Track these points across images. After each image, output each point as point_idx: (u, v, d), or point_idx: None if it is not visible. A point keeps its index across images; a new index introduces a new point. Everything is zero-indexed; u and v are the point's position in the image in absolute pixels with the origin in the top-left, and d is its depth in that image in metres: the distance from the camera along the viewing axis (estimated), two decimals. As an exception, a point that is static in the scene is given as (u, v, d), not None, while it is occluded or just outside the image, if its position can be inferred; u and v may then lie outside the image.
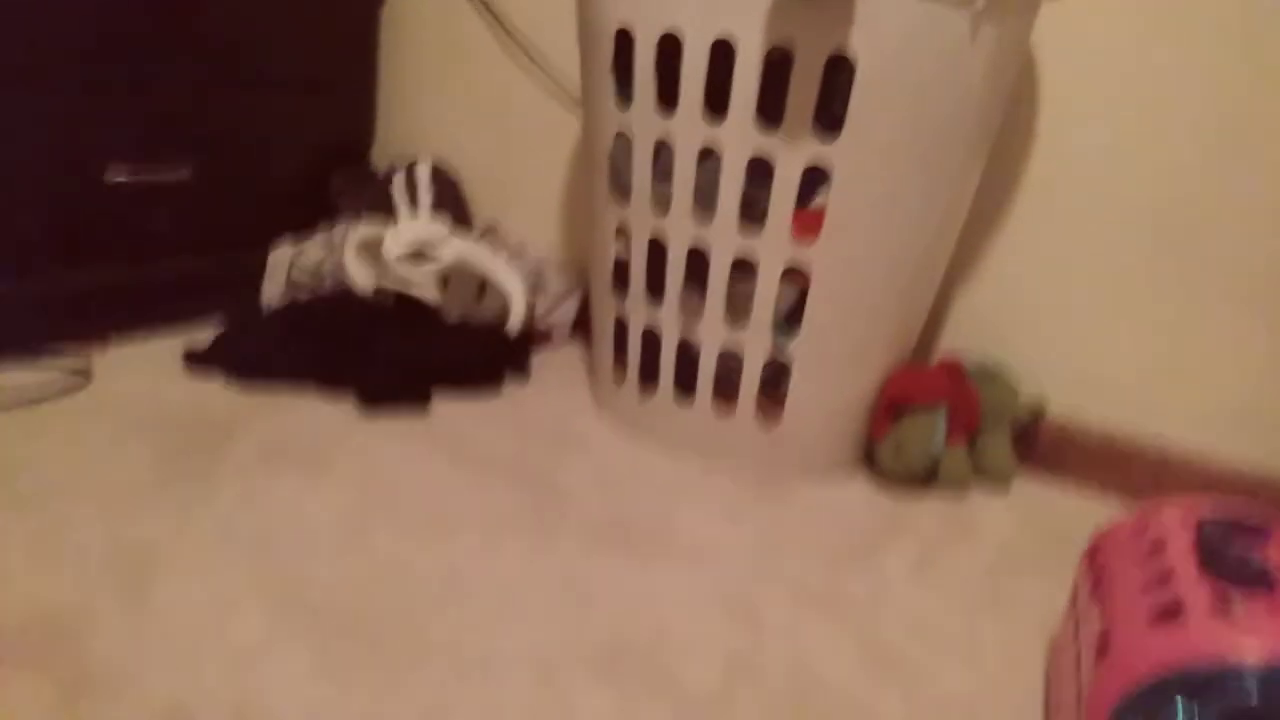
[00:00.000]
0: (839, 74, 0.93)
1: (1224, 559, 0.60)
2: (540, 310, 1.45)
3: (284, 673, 0.67)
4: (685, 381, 1.10)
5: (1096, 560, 0.71)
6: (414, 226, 1.29)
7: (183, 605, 0.73)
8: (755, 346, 1.04)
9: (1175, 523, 0.68)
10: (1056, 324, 1.15)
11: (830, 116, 0.94)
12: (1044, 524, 1.04)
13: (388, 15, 1.59)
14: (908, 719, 0.70)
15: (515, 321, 1.31)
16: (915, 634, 0.81)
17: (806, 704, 0.70)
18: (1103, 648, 0.59)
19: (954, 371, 1.09)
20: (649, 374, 1.12)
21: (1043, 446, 1.16)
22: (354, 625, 0.73)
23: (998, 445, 1.11)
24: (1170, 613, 0.57)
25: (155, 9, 1.21)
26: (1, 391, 1.05)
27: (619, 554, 0.88)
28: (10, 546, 0.78)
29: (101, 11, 1.16)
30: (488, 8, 1.50)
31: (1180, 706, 0.52)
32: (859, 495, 1.07)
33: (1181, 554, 0.64)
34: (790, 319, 1.03)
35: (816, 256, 0.99)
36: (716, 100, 0.97)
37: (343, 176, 1.51)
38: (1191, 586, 0.59)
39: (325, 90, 1.49)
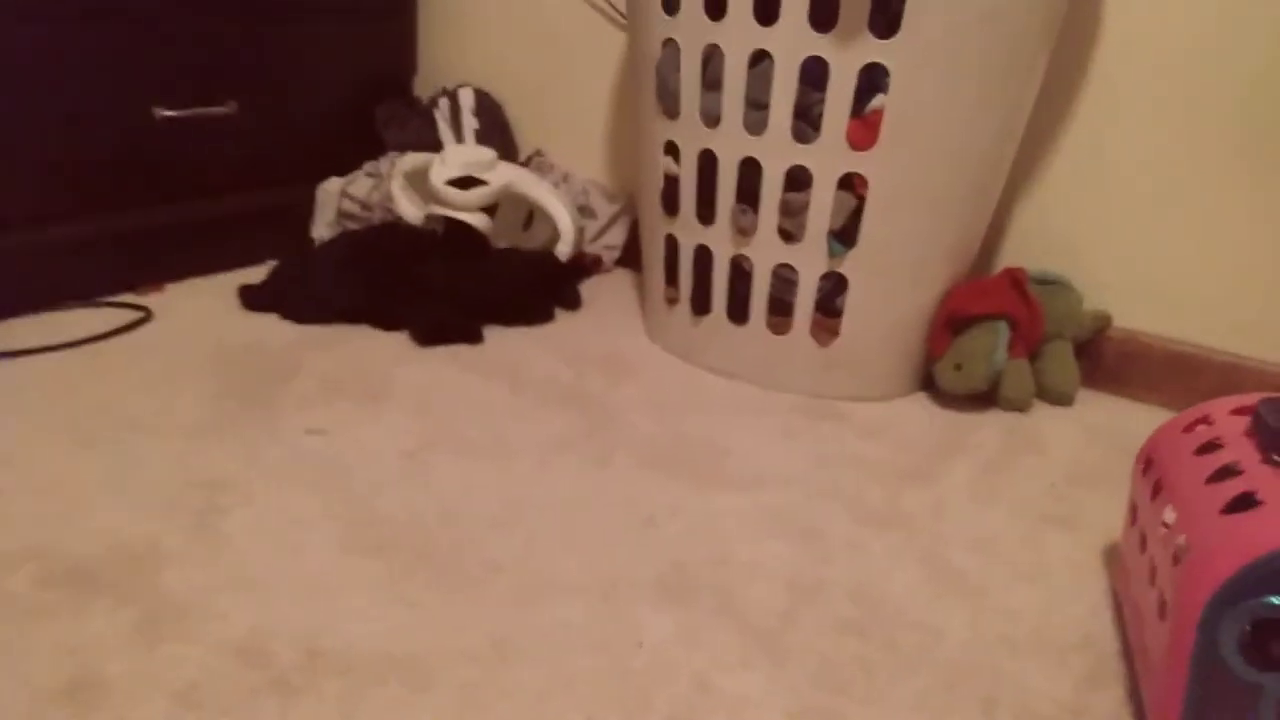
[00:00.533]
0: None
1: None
2: (589, 236, 1.43)
3: (356, 600, 0.68)
4: (739, 303, 1.08)
5: (1151, 467, 0.69)
6: (460, 151, 1.28)
7: (254, 536, 0.74)
8: (811, 262, 1.02)
9: (1226, 416, 0.66)
10: (1123, 236, 1.11)
11: (887, 14, 0.90)
12: (1110, 438, 1.02)
13: (423, -62, 1.55)
14: (973, 636, 0.69)
15: (564, 248, 1.30)
16: (978, 551, 0.80)
17: (870, 624, 0.69)
18: (1179, 550, 0.57)
19: (1017, 282, 1.05)
20: (701, 296, 1.11)
21: (1108, 360, 1.12)
22: (421, 552, 0.74)
23: (1061, 358, 1.08)
24: (1244, 502, 0.55)
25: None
26: (66, 331, 1.07)
27: (677, 477, 0.88)
28: (84, 482, 0.80)
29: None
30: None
31: (1273, 593, 0.51)
32: (918, 414, 1.05)
33: (1240, 444, 0.62)
34: (846, 232, 1.01)
35: (873, 164, 0.96)
36: (767, 1, 0.93)
37: (386, 107, 1.49)
38: (1259, 473, 0.57)
39: (365, 19, 1.46)
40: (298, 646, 0.63)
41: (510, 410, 0.98)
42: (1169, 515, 0.62)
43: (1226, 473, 0.60)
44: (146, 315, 1.14)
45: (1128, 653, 0.68)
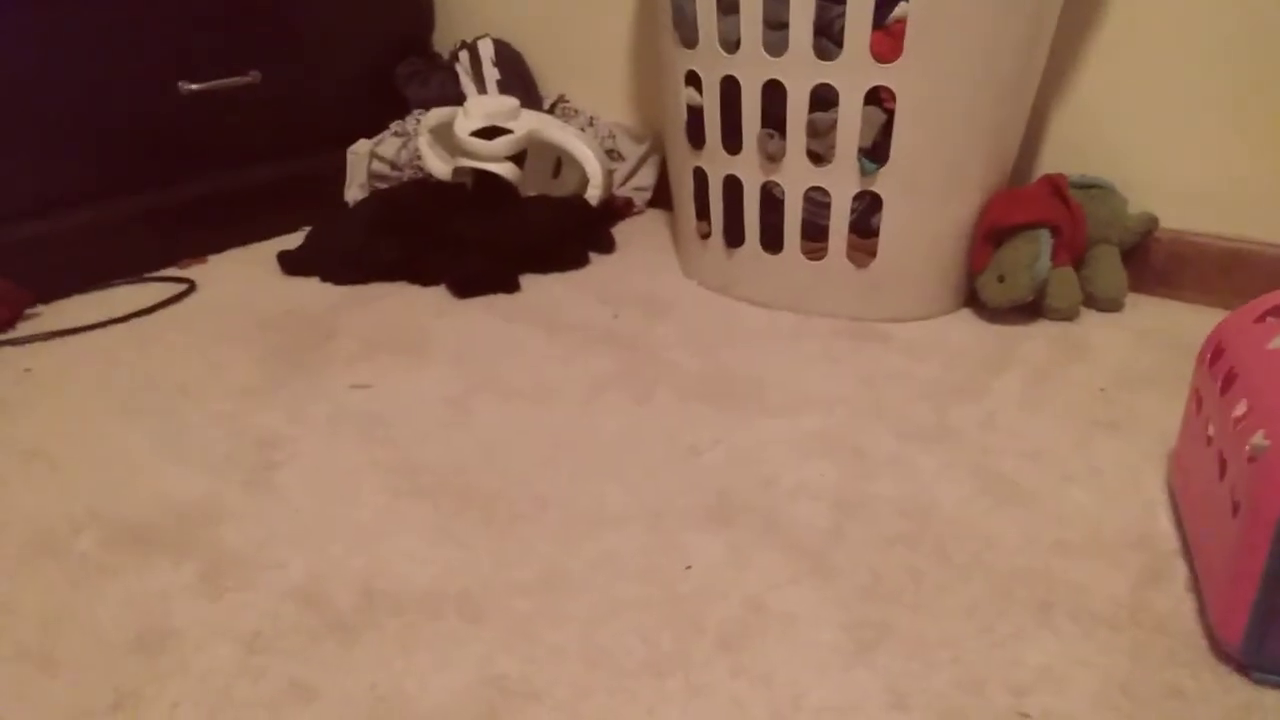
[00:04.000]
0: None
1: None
2: (619, 179, 1.42)
3: (408, 542, 0.69)
4: (772, 231, 1.07)
5: (1222, 356, 0.67)
6: (483, 102, 1.27)
7: (305, 489, 0.76)
8: (842, 182, 1.00)
9: None
10: (1164, 136, 1.07)
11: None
12: (1161, 341, 0.99)
13: (431, -110, 1.53)
14: (1026, 542, 0.68)
15: (594, 192, 1.29)
16: (1029, 460, 0.78)
17: (920, 536, 0.69)
18: (1256, 447, 0.55)
19: (1057, 188, 1.02)
20: (734, 228, 1.10)
21: (1156, 262, 1.09)
22: (468, 493, 0.75)
23: (1108, 264, 1.05)
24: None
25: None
26: (114, 308, 1.09)
27: (718, 407, 0.87)
28: (138, 447, 0.82)
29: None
30: None
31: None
32: (963, 330, 1.03)
33: None
34: (877, 149, 0.98)
35: (900, 76, 0.93)
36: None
37: (407, 65, 1.49)
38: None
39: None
40: (355, 589, 0.64)
41: (549, 354, 0.98)
42: (1241, 408, 0.60)
43: None
44: (190, 287, 1.16)
45: (1185, 550, 0.67)
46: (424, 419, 0.86)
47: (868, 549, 0.67)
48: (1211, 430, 0.65)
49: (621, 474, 0.77)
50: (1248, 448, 0.57)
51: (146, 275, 1.19)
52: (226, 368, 0.96)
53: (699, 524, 0.71)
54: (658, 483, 0.76)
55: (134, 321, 1.07)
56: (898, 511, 0.72)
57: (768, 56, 0.97)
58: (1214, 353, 0.69)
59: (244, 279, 1.19)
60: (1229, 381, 0.65)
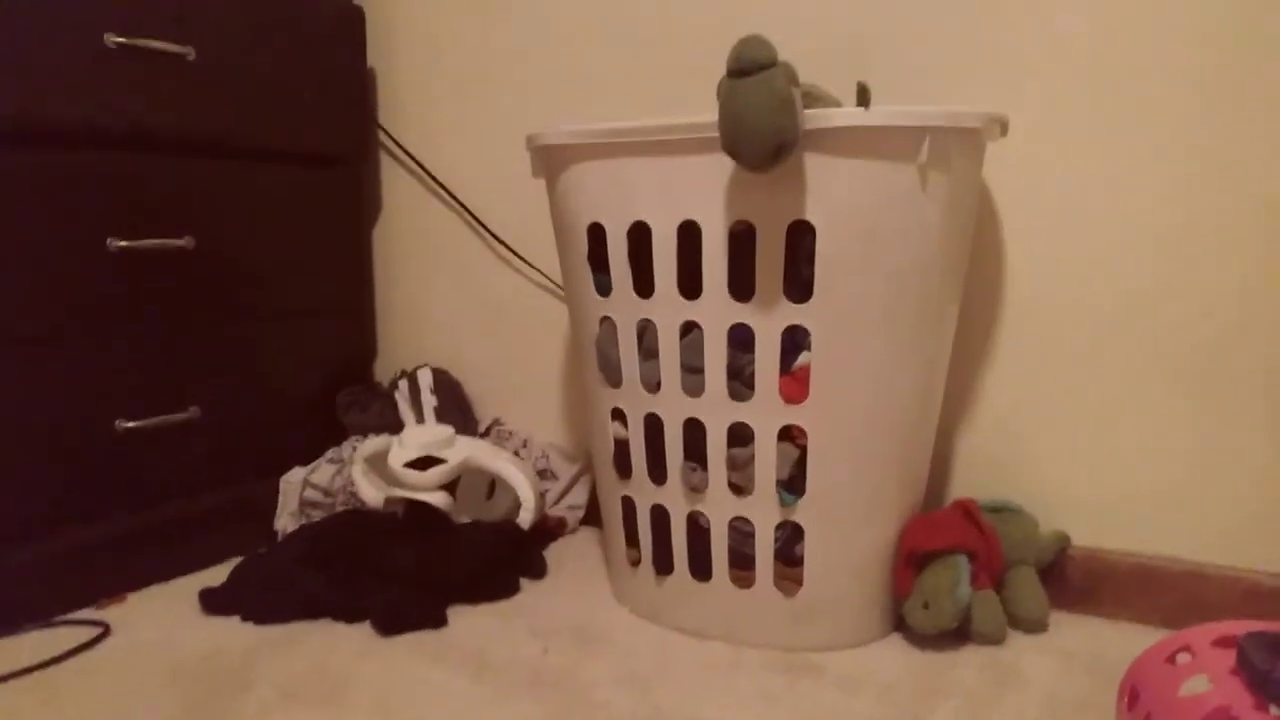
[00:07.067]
0: (803, 238, 0.96)
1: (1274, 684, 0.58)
2: (552, 498, 1.45)
3: None
4: (700, 560, 1.08)
5: (1138, 701, 0.68)
6: (418, 432, 1.31)
7: None
8: (764, 513, 1.03)
9: (1209, 649, 0.66)
10: (1065, 454, 1.14)
11: (801, 279, 0.96)
12: (1087, 664, 1.00)
13: (379, 234, 1.66)
14: None
15: (526, 516, 1.31)
16: (969, 808, 0.76)
17: None
18: None
19: (968, 513, 1.07)
20: (663, 555, 1.11)
21: (1074, 580, 1.12)
22: None
23: (1027, 584, 1.07)
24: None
25: (152, 265, 1.26)
26: (21, 656, 1.04)
27: (649, 756, 0.84)
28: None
29: (103, 271, 1.21)
30: (471, 214, 1.57)
31: None
32: (894, 658, 1.03)
33: (1229, 684, 0.62)
34: (794, 481, 1.03)
35: (808, 415, 0.99)
36: (691, 275, 1.00)
37: (347, 393, 1.54)
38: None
39: (325, 315, 1.53)
40: None
41: (476, 700, 0.95)
42: None
43: (1221, 717, 0.60)
44: (105, 631, 1.12)
45: None
46: (337, 784, 0.81)
47: None
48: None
49: (545, 845, 0.73)
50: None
51: (58, 620, 1.15)
52: (131, 727, 0.91)
53: None
54: None
55: (39, 674, 1.02)
56: None
57: (687, 397, 1.04)
58: (1131, 697, 0.70)
59: (163, 619, 1.16)
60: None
